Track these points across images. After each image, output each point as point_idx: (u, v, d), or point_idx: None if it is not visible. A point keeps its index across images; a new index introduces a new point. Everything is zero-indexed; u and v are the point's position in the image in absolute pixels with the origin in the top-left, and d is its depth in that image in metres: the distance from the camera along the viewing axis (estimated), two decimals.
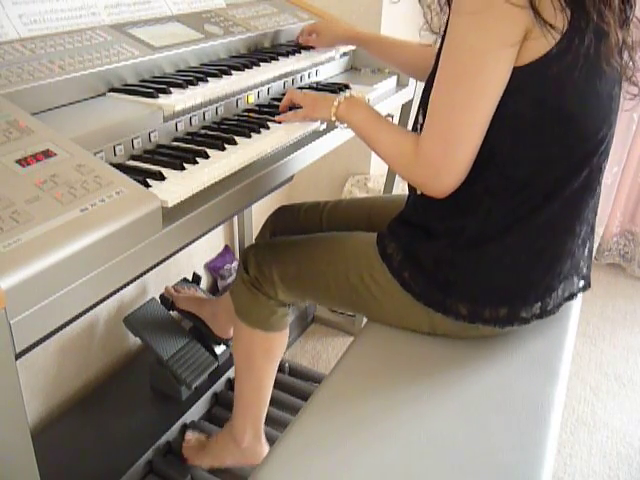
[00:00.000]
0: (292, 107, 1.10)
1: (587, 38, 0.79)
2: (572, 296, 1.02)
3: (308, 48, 1.36)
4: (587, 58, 0.80)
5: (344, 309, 1.14)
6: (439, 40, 0.94)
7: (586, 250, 1.01)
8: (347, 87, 1.29)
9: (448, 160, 0.85)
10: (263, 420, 1.31)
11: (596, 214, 0.99)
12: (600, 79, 0.84)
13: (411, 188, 1.03)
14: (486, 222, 0.91)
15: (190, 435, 1.41)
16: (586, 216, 0.95)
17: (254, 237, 2.10)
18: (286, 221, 1.34)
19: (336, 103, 1.02)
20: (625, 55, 0.86)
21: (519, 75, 0.81)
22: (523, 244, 0.92)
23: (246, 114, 1.10)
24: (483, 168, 0.87)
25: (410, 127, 1.01)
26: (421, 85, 1.03)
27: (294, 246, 1.14)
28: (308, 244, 1.13)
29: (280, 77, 1.21)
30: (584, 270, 1.02)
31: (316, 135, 1.09)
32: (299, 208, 1.34)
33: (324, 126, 1.10)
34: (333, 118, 1.03)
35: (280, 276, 1.09)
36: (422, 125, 0.94)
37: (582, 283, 1.03)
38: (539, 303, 0.96)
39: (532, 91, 0.82)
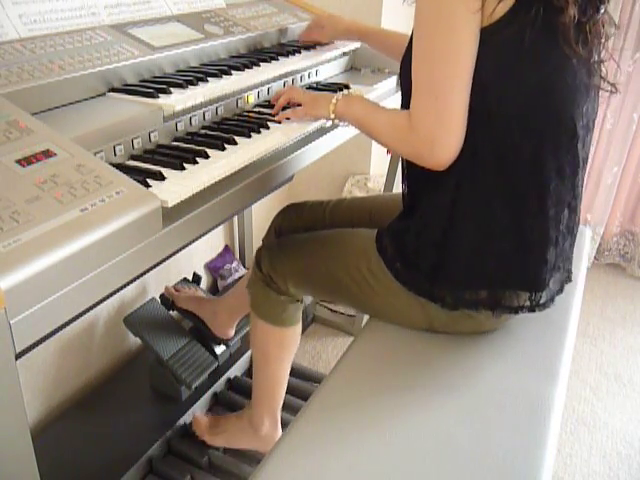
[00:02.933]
0: (290, 106, 1.10)
1: (534, 8, 0.82)
2: (560, 290, 1.03)
3: (309, 47, 1.36)
4: (534, 27, 0.83)
5: (346, 304, 1.19)
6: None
7: (571, 240, 1.01)
8: (347, 87, 1.28)
9: (441, 123, 0.86)
10: (280, 408, 1.36)
11: (580, 201, 0.99)
12: (559, 56, 0.86)
13: (404, 177, 1.05)
14: (457, 199, 0.92)
15: (199, 414, 1.46)
16: (563, 199, 0.94)
17: (254, 237, 2.11)
18: (291, 219, 1.37)
19: (334, 100, 1.03)
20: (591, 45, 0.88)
21: (482, 36, 0.84)
22: (497, 223, 0.92)
23: (246, 114, 1.10)
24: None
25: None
26: None
27: (303, 243, 1.18)
28: (315, 241, 1.17)
29: (280, 77, 1.21)
30: (568, 263, 1.03)
31: (316, 135, 1.09)
32: (303, 206, 1.37)
33: (329, 123, 1.10)
34: (332, 115, 1.04)
35: (291, 271, 1.14)
36: (402, 98, 0.97)
37: (566, 275, 1.04)
38: (528, 294, 0.96)
39: (490, 55, 0.84)
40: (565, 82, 0.88)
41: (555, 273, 0.98)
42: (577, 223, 1.01)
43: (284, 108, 1.11)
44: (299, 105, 1.09)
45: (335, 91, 1.24)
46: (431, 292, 0.98)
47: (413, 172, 1.00)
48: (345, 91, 1.06)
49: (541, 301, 0.98)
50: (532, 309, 0.98)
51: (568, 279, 1.05)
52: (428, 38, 0.85)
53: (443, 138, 0.87)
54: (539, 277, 0.96)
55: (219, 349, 1.56)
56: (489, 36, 0.84)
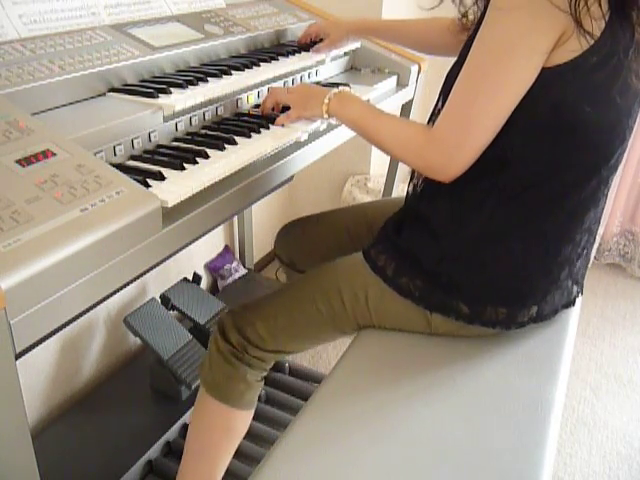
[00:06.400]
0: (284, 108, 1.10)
1: (630, 52, 0.78)
2: (569, 304, 1.02)
3: (308, 47, 1.35)
4: (618, 72, 0.80)
5: (345, 334, 1.08)
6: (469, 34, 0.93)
7: (585, 258, 1.01)
8: (347, 87, 1.28)
9: (461, 145, 0.85)
10: None
11: (599, 225, 0.99)
12: (623, 94, 0.83)
13: (413, 184, 1.03)
14: (490, 222, 0.91)
15: None
16: (588, 227, 0.95)
17: (254, 237, 2.11)
18: (296, 236, 1.33)
19: (326, 100, 1.01)
20: None
21: (544, 75, 0.81)
22: (524, 248, 0.92)
23: (246, 114, 1.10)
24: (492, 167, 0.87)
25: (429, 114, 1.01)
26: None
27: (276, 297, 1.07)
28: (291, 289, 1.07)
29: (280, 77, 1.21)
30: (579, 277, 1.02)
31: (316, 135, 1.09)
32: (306, 222, 1.32)
33: (324, 126, 1.10)
34: (325, 115, 1.02)
35: (268, 330, 1.02)
36: (440, 111, 0.93)
37: (576, 289, 1.03)
38: (535, 307, 0.96)
39: (553, 94, 0.81)
40: (620, 118, 0.86)
41: (562, 286, 0.98)
42: (592, 244, 1.01)
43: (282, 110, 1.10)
44: (289, 108, 1.06)
45: None
46: (444, 304, 0.95)
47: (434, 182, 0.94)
48: (335, 89, 1.04)
49: (545, 312, 0.98)
50: (535, 320, 0.98)
51: (581, 292, 1.05)
52: (484, 64, 0.82)
53: (459, 158, 0.86)
54: (547, 292, 0.96)
55: None
56: (560, 75, 0.80)
